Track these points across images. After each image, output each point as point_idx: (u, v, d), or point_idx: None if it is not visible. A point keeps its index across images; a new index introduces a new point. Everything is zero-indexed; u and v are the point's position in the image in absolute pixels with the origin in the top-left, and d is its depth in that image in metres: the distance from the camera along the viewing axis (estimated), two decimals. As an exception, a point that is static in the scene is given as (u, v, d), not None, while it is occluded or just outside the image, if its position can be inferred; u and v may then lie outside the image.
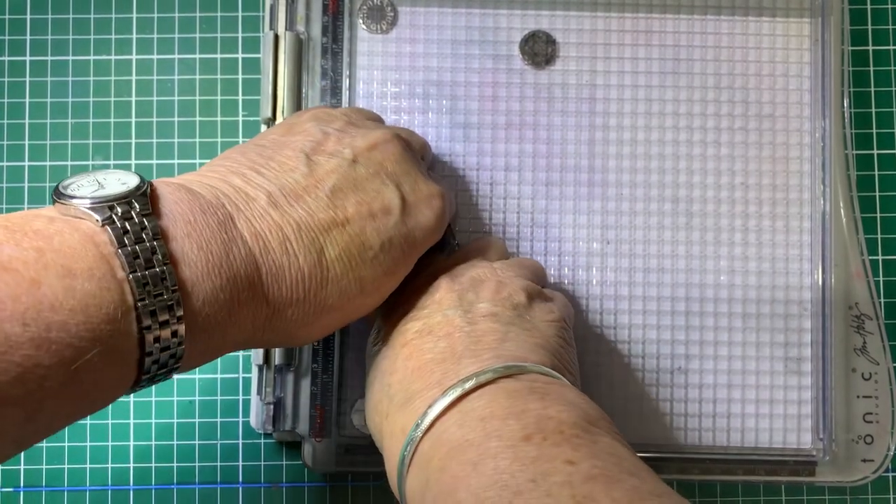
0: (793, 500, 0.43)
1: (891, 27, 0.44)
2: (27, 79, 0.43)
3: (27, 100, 0.43)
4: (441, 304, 0.33)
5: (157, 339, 0.25)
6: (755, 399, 0.41)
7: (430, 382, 0.30)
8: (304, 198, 0.30)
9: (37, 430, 0.24)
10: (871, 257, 0.42)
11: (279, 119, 0.40)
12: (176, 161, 0.43)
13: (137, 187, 0.26)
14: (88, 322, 0.23)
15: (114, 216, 0.25)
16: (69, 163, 0.43)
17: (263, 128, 0.41)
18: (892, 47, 0.44)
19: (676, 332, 0.41)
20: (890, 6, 0.44)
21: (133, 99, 0.43)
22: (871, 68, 0.44)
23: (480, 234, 0.41)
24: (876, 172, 0.44)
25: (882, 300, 0.43)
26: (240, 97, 0.44)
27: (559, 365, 0.31)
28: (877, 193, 0.44)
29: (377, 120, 0.38)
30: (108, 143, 0.43)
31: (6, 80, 0.43)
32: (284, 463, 0.42)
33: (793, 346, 0.41)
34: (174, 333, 0.25)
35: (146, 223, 0.25)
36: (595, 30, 0.42)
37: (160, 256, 0.25)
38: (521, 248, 0.41)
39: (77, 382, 0.23)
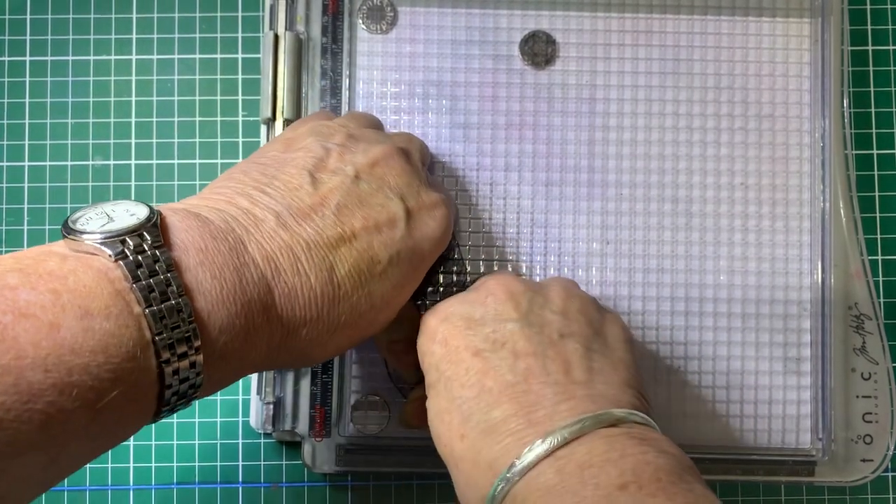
0: (792, 499, 0.43)
1: (890, 27, 0.44)
2: (27, 79, 0.43)
3: (27, 100, 0.43)
4: (507, 309, 0.32)
5: (175, 372, 0.25)
6: (754, 399, 0.41)
7: (514, 413, 0.29)
8: (311, 216, 0.30)
9: (60, 471, 0.24)
10: (870, 257, 0.42)
11: (279, 119, 0.40)
12: (176, 161, 0.43)
13: (147, 218, 0.26)
14: (109, 362, 0.23)
15: (126, 250, 0.25)
16: (69, 163, 0.43)
17: (263, 128, 0.41)
18: (891, 47, 0.44)
19: (676, 333, 0.41)
20: (889, 6, 0.44)
21: (133, 99, 0.43)
22: (871, 68, 0.44)
23: (480, 234, 0.41)
24: (875, 172, 0.44)
25: (881, 300, 0.43)
26: (239, 97, 0.44)
27: (645, 404, 0.31)
28: (876, 193, 0.44)
29: (376, 126, 0.38)
30: (107, 143, 0.43)
31: (6, 80, 0.43)
32: (284, 463, 0.42)
33: (792, 346, 0.41)
34: (192, 364, 0.25)
35: (159, 255, 0.25)
36: (595, 30, 0.42)
37: (175, 288, 0.25)
38: (521, 248, 0.41)
39: (99, 422, 0.23)
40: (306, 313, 0.29)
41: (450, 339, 0.32)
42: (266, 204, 0.29)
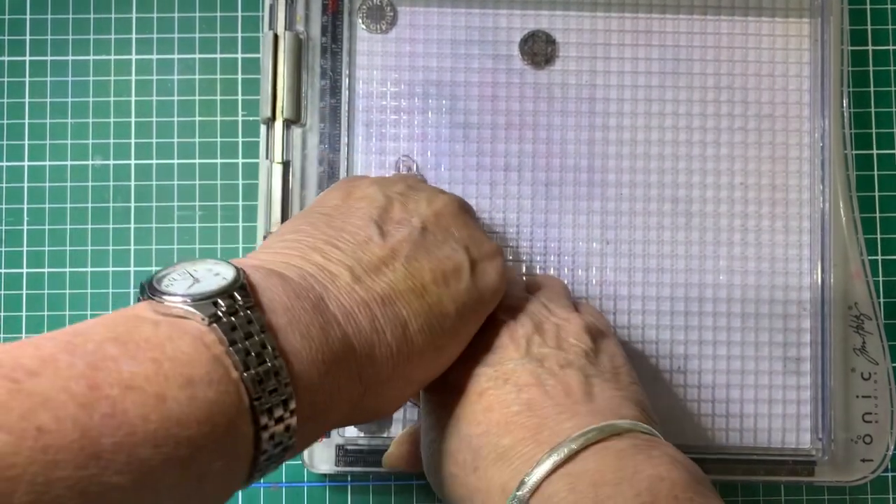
0: (792, 499, 0.43)
1: (890, 27, 0.44)
2: (27, 79, 0.43)
3: (27, 100, 0.43)
4: (508, 350, 0.32)
5: (272, 437, 0.24)
6: (754, 399, 0.41)
7: (523, 437, 0.29)
8: (382, 270, 0.29)
9: None
10: (870, 257, 0.42)
11: (279, 119, 0.40)
12: (175, 161, 0.43)
13: (235, 279, 0.25)
14: (214, 432, 0.22)
15: (219, 312, 0.24)
16: (69, 163, 0.43)
17: (263, 128, 0.41)
18: (891, 47, 0.44)
19: (676, 332, 0.41)
20: (889, 6, 0.44)
21: (132, 99, 0.43)
22: (871, 68, 0.44)
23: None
24: (875, 172, 0.44)
25: (881, 300, 0.43)
26: (239, 97, 0.44)
27: (647, 417, 0.31)
28: (876, 193, 0.44)
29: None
30: (107, 143, 0.43)
31: (6, 80, 0.43)
32: (284, 463, 0.42)
33: (792, 346, 0.41)
34: (287, 428, 0.24)
35: (252, 317, 0.24)
36: (595, 30, 0.42)
37: (271, 350, 0.24)
38: (521, 248, 0.41)
39: (200, 493, 0.22)
40: (383, 371, 0.28)
41: (454, 382, 0.32)
42: (338, 259, 0.29)
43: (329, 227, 0.31)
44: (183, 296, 0.24)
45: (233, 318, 0.24)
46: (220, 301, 0.24)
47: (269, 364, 0.24)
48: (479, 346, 0.33)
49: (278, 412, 0.24)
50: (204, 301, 0.24)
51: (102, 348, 0.21)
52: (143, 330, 0.23)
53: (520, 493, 0.27)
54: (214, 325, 0.23)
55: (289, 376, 0.24)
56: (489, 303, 0.33)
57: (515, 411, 0.30)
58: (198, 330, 0.23)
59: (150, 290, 0.25)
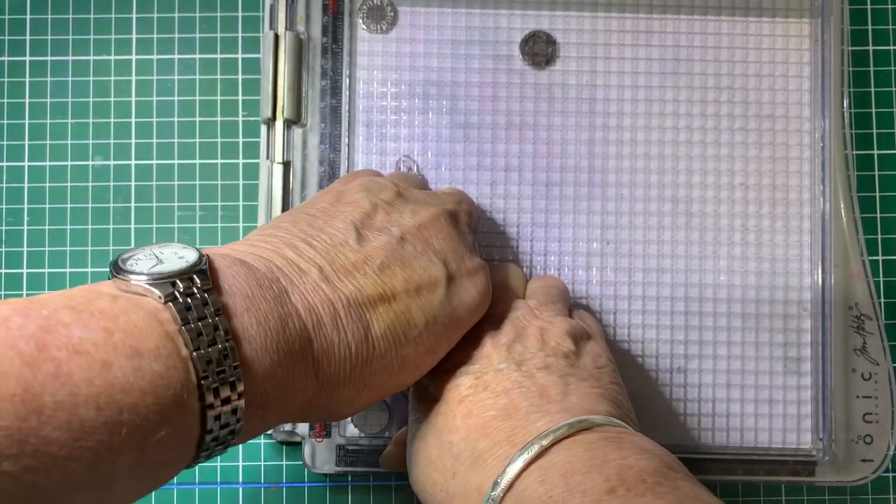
0: (793, 500, 0.43)
1: (891, 27, 0.44)
2: (27, 79, 0.43)
3: (27, 100, 0.43)
4: (490, 358, 0.33)
5: (217, 417, 0.25)
6: (755, 399, 0.41)
7: (499, 440, 0.29)
8: (353, 273, 0.30)
9: None
10: (870, 258, 0.42)
11: (279, 119, 0.40)
12: (176, 161, 0.43)
13: (197, 262, 0.26)
14: (157, 403, 0.23)
15: (176, 293, 0.25)
16: (69, 163, 0.43)
17: (263, 128, 0.41)
18: (891, 47, 0.44)
19: (676, 332, 0.41)
20: (890, 6, 0.44)
21: (133, 99, 0.43)
22: (871, 68, 0.44)
23: (481, 234, 0.41)
24: (876, 173, 0.44)
25: (882, 300, 0.43)
26: (240, 97, 0.44)
27: (622, 413, 0.31)
28: (877, 194, 0.44)
29: (423, 186, 0.38)
30: (107, 144, 0.43)
31: (6, 80, 0.43)
32: (284, 463, 0.42)
33: (792, 347, 0.41)
34: (234, 410, 0.25)
35: (208, 299, 0.25)
36: (595, 30, 0.42)
37: (223, 333, 0.25)
38: (521, 248, 0.41)
39: (143, 463, 0.23)
40: (340, 370, 0.29)
41: (436, 392, 0.33)
42: (310, 256, 0.30)
43: (310, 226, 0.31)
44: (144, 274, 0.25)
45: (189, 299, 0.25)
46: (178, 282, 0.25)
47: (220, 346, 0.25)
48: (463, 355, 0.33)
49: (225, 393, 0.25)
50: (163, 280, 0.25)
51: (56, 314, 0.23)
52: (100, 302, 0.24)
53: (494, 493, 0.28)
54: (170, 303, 0.24)
55: (238, 359, 0.25)
56: (464, 319, 0.33)
57: (492, 416, 0.30)
58: (153, 307, 0.24)
59: (114, 267, 0.26)
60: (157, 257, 0.26)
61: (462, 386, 0.32)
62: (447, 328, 0.32)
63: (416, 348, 0.31)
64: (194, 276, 0.25)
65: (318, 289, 0.29)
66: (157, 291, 0.25)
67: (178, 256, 0.26)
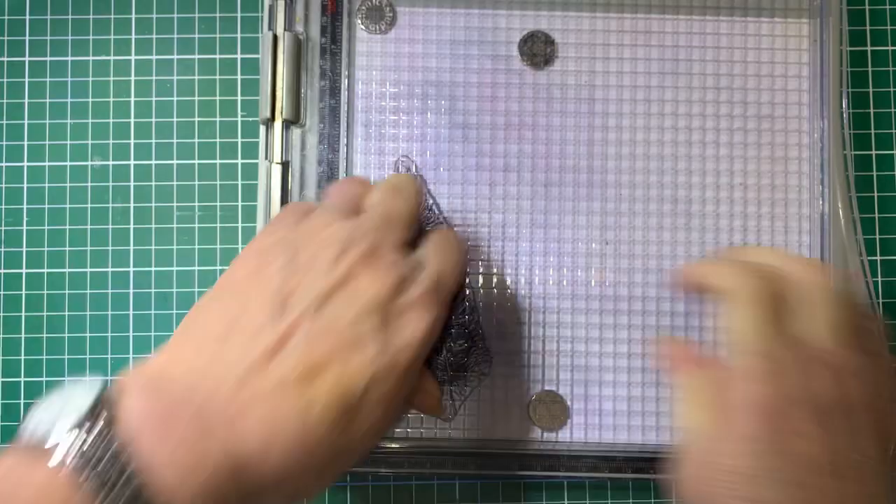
0: (792, 500, 0.43)
1: (889, 28, 0.44)
2: (26, 79, 0.43)
3: (26, 100, 0.43)
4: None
5: None
6: (754, 399, 0.41)
7: None
8: (274, 358, 0.28)
9: None
10: (869, 258, 0.42)
11: (278, 119, 0.40)
12: (175, 161, 0.43)
13: (92, 408, 0.26)
14: None
15: (73, 451, 0.25)
16: (68, 163, 0.43)
17: (262, 128, 0.41)
18: (890, 48, 0.44)
19: (676, 333, 0.41)
20: (888, 7, 0.45)
21: (132, 99, 0.43)
22: (870, 69, 0.44)
23: (481, 235, 0.41)
24: (874, 173, 0.44)
25: (881, 300, 0.43)
26: (239, 98, 0.44)
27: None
28: (875, 194, 0.44)
29: (356, 193, 0.34)
30: (107, 144, 0.43)
31: (5, 80, 0.43)
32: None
33: (792, 347, 0.41)
34: None
35: (112, 444, 0.25)
36: (594, 30, 0.42)
37: (129, 475, 0.25)
38: (520, 248, 0.41)
39: None
40: (282, 469, 0.27)
41: None
42: (228, 360, 0.28)
43: (225, 314, 0.30)
44: (44, 431, 0.26)
45: (88, 449, 0.25)
46: (79, 430, 0.25)
47: (129, 491, 0.25)
48: None
49: None
50: (66, 434, 0.25)
51: None
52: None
53: None
54: (67, 460, 0.25)
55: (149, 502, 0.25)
56: (410, 362, 0.30)
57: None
58: (54, 471, 0.25)
59: (20, 434, 0.26)
60: (58, 409, 0.26)
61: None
62: (389, 379, 0.30)
63: (361, 414, 0.29)
64: (93, 425, 0.26)
65: (237, 394, 0.27)
66: (55, 451, 0.25)
67: (75, 408, 0.26)
